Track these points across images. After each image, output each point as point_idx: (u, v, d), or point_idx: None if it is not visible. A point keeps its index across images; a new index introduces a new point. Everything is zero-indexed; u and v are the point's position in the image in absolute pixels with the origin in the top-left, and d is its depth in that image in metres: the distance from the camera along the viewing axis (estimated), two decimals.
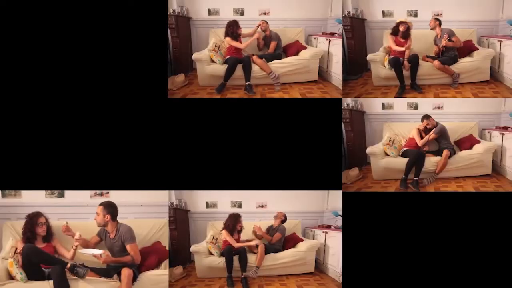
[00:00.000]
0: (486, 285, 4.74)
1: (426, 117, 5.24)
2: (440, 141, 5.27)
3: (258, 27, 5.33)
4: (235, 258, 4.92)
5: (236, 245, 4.97)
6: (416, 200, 4.80)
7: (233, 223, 5.04)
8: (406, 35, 5.22)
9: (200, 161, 4.84)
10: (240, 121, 4.86)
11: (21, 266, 4.31)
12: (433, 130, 5.24)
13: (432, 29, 5.30)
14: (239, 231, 5.06)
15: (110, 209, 4.55)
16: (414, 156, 5.13)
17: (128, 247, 4.52)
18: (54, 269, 4.26)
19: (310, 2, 5.36)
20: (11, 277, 4.32)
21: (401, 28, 5.20)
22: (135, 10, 4.92)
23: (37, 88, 4.95)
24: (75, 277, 4.34)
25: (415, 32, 5.31)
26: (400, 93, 5.14)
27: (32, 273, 4.30)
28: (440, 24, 5.28)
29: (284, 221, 5.19)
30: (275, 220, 5.19)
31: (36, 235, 4.48)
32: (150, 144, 4.93)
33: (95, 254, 4.45)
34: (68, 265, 4.29)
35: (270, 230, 5.20)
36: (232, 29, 5.22)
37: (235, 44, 5.21)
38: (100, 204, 4.58)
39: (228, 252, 4.92)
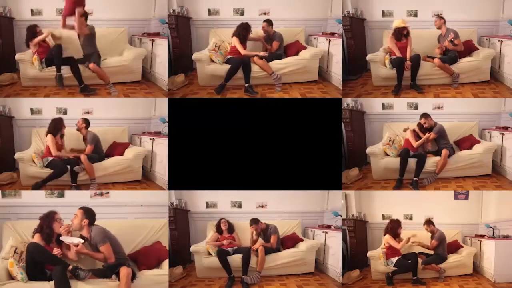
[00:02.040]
0: None
1: (425, 115, 5.20)
2: (439, 141, 5.25)
3: (263, 38, 5.36)
4: (234, 259, 4.91)
5: (211, 243, 5.01)
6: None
7: (217, 224, 5.12)
8: (407, 35, 5.23)
9: (200, 161, 4.84)
10: (240, 121, 4.86)
11: (21, 266, 4.29)
12: (432, 130, 5.22)
13: (438, 28, 5.29)
14: (229, 231, 5.09)
15: (89, 215, 4.49)
16: (403, 157, 5.09)
17: (101, 248, 4.46)
18: (56, 270, 4.25)
19: (310, 2, 5.36)
20: (11, 277, 4.30)
21: (404, 32, 5.21)
22: None
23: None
24: (76, 279, 4.31)
25: (416, 32, 5.31)
26: (396, 91, 5.14)
27: (34, 272, 4.29)
28: (445, 23, 5.28)
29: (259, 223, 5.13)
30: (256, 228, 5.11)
31: (53, 232, 4.41)
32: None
33: (73, 243, 4.40)
34: (70, 267, 4.28)
35: (262, 236, 5.14)
36: (245, 32, 5.21)
37: (239, 47, 5.18)
38: (81, 208, 4.53)
39: (220, 253, 4.91)
